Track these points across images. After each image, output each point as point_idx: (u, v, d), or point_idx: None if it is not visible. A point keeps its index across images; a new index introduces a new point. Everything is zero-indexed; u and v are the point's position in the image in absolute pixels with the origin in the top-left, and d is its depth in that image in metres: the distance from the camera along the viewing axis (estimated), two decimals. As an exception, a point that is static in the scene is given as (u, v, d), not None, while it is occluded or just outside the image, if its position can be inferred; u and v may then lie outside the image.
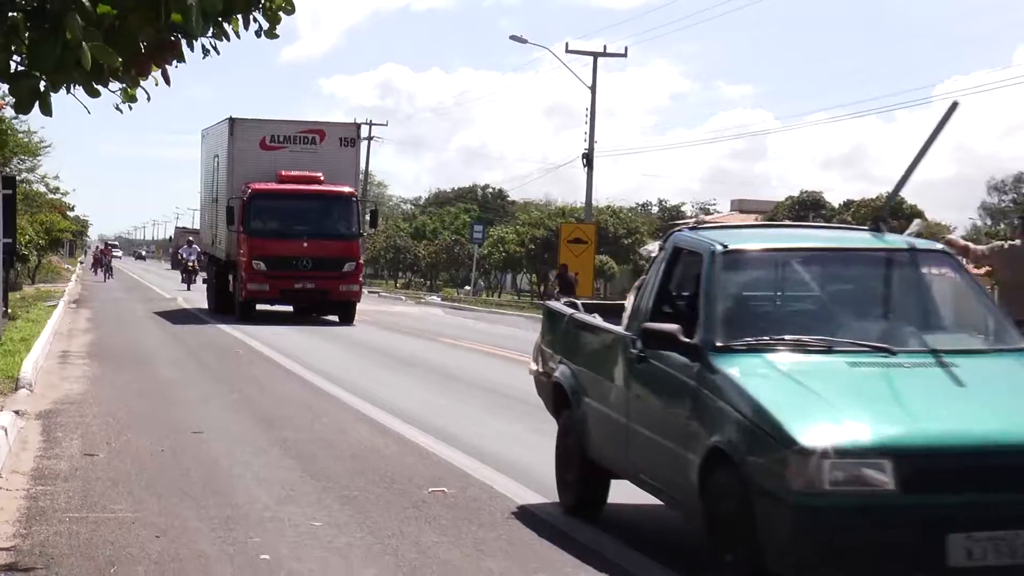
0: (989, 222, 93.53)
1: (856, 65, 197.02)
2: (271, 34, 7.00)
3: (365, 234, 35.46)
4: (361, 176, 56.63)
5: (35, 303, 35.61)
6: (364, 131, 58.66)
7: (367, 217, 35.61)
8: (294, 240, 32.43)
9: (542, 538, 8.43)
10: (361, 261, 34.66)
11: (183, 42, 6.69)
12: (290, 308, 34.64)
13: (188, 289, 53.93)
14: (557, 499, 9.75)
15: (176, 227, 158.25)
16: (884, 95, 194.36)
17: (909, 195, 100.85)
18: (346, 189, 33.66)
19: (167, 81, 6.91)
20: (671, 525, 8.79)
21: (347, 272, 32.98)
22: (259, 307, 33.67)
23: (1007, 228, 60.57)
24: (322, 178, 33.47)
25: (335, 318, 34.01)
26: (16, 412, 12.99)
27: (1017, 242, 12.38)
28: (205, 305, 38.39)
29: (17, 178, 34.42)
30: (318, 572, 7.41)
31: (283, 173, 33.39)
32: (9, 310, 28.78)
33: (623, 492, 9.23)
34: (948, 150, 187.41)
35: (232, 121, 34.77)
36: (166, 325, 31.29)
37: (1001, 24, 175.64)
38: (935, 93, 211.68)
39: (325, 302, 33.73)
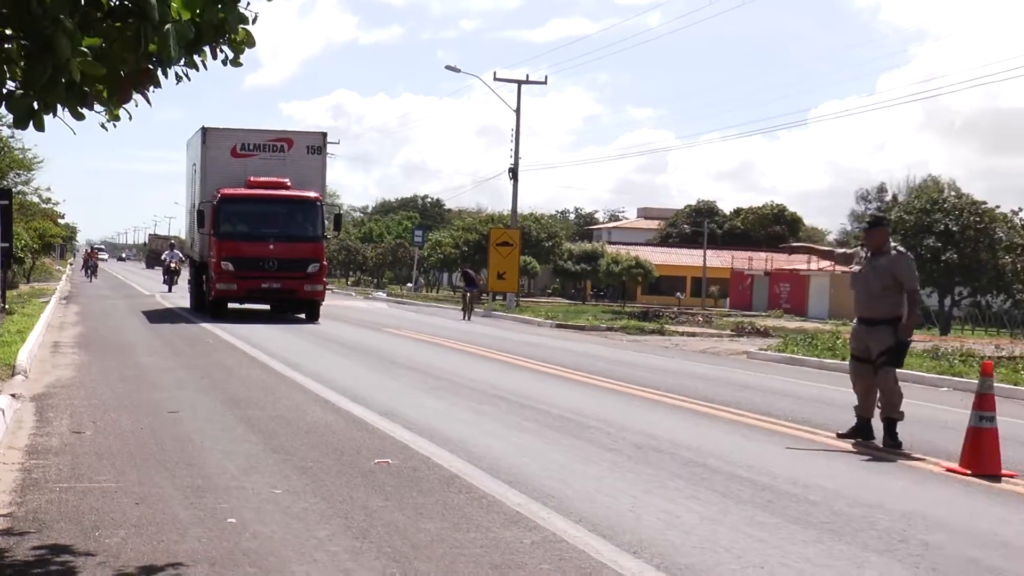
0: (856, 227, 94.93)
1: (744, 91, 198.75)
2: (236, 63, 6.92)
3: (329, 237, 34.00)
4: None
5: (30, 300, 35.12)
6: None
7: (328, 221, 34.40)
8: (261, 242, 30.78)
9: (473, 503, 8.42)
10: (325, 262, 32.90)
11: (159, 70, 6.63)
12: (267, 307, 33.08)
13: (169, 290, 50.71)
14: (485, 469, 9.74)
15: (150, 234, 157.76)
16: (768, 117, 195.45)
17: (790, 204, 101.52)
18: (311, 194, 31.79)
19: (147, 101, 6.84)
20: None
21: (311, 273, 31.29)
22: (234, 305, 32.28)
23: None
24: (288, 183, 31.74)
25: (304, 315, 32.57)
26: (12, 395, 12.81)
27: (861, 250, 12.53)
28: (184, 303, 37.76)
29: (13, 190, 33.92)
30: (279, 533, 7.36)
31: (252, 179, 31.85)
32: (7, 306, 28.40)
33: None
34: (822, 164, 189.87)
35: (205, 131, 33.24)
36: (146, 320, 30.80)
37: (868, 56, 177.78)
38: (811, 115, 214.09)
39: (291, 301, 31.96)
